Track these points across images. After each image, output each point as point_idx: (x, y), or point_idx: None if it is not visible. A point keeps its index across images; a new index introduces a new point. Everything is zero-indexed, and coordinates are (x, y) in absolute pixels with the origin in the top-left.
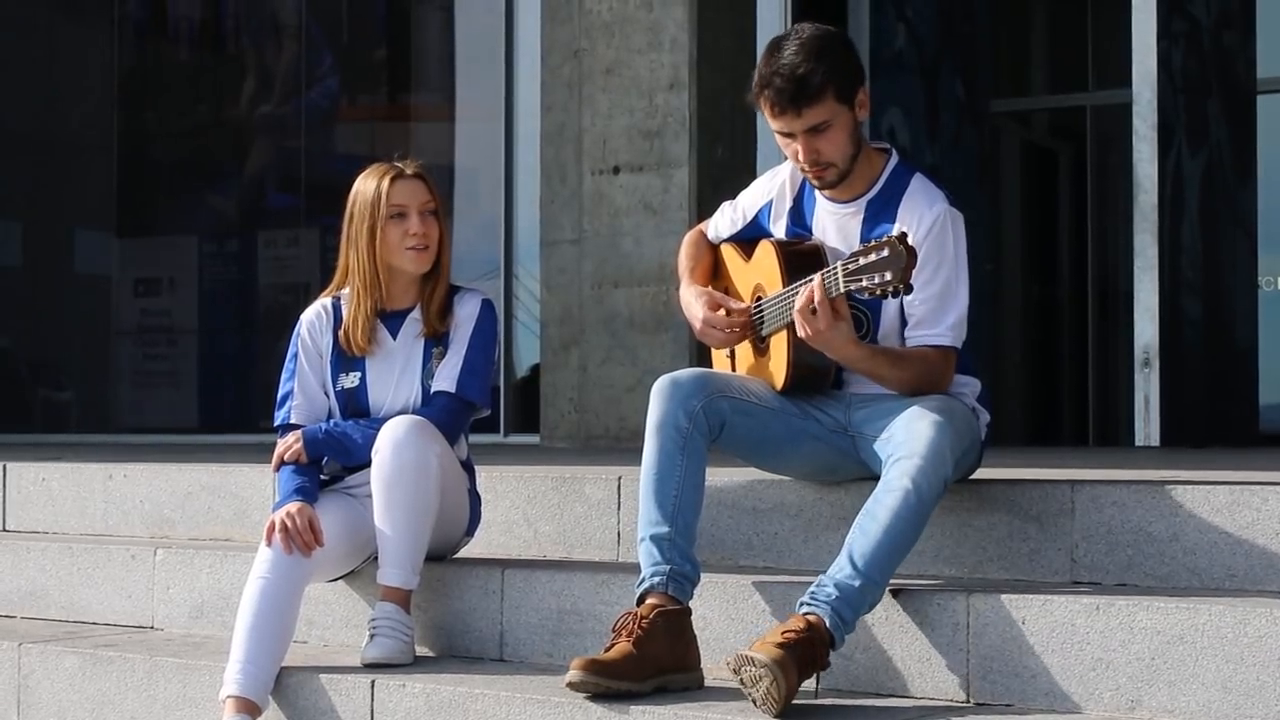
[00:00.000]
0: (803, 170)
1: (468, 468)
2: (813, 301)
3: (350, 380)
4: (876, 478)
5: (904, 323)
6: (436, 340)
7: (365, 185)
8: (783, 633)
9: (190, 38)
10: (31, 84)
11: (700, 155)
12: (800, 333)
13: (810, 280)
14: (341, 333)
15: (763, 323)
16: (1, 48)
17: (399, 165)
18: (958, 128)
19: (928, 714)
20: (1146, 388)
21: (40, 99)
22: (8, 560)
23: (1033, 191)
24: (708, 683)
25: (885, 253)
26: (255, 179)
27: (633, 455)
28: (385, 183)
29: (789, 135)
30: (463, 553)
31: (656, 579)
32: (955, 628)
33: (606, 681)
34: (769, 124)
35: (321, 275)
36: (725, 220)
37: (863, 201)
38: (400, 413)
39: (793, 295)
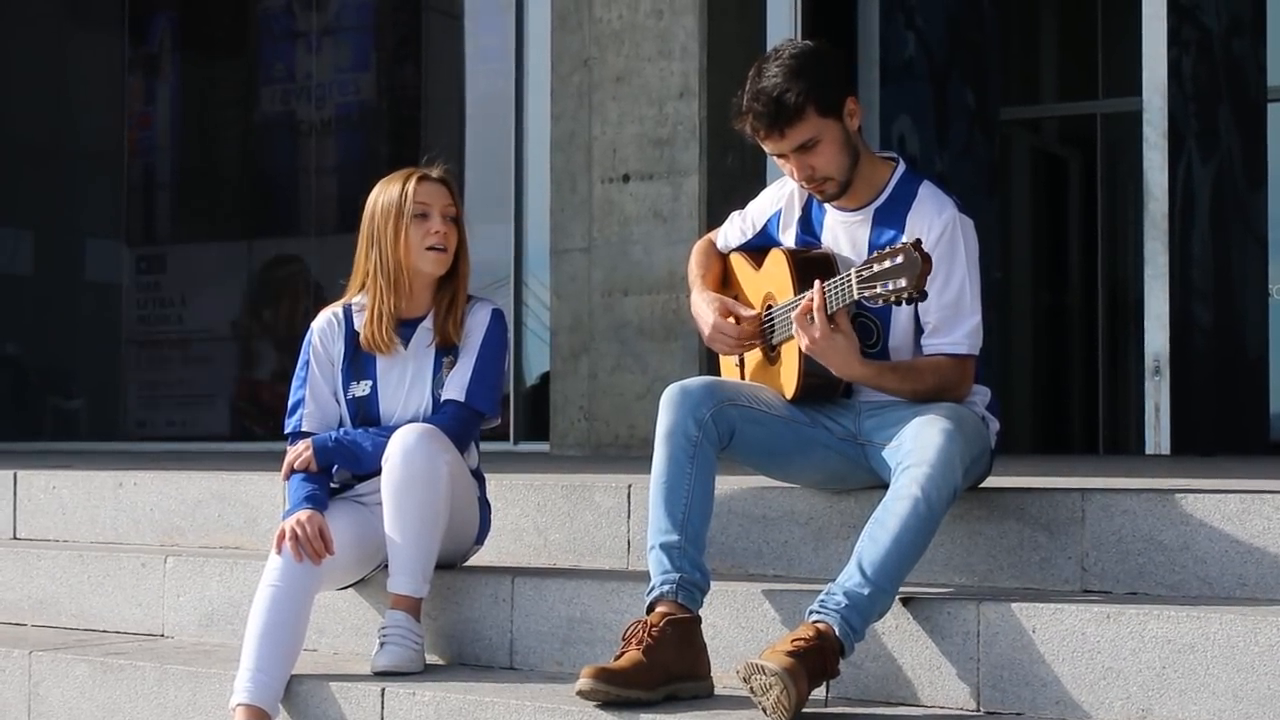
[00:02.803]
0: (803, 186)
1: (478, 476)
2: (810, 310)
3: (361, 388)
4: (886, 486)
5: (919, 331)
6: (447, 349)
7: (389, 187)
8: (792, 641)
9: (200, 46)
10: (42, 93)
11: (710, 163)
12: (799, 342)
13: (811, 290)
14: (364, 334)
15: (773, 331)
16: (12, 58)
17: (424, 169)
18: (968, 135)
19: None
20: (1157, 396)
21: (51, 109)
22: (18, 568)
23: (1043, 199)
24: (717, 691)
25: (899, 259)
26: (264, 187)
27: (643, 463)
28: (411, 183)
29: (782, 156)
30: (473, 561)
31: (666, 587)
32: (965, 636)
33: (616, 690)
34: (762, 147)
35: (330, 284)
36: (734, 230)
37: (870, 209)
38: (410, 421)
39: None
